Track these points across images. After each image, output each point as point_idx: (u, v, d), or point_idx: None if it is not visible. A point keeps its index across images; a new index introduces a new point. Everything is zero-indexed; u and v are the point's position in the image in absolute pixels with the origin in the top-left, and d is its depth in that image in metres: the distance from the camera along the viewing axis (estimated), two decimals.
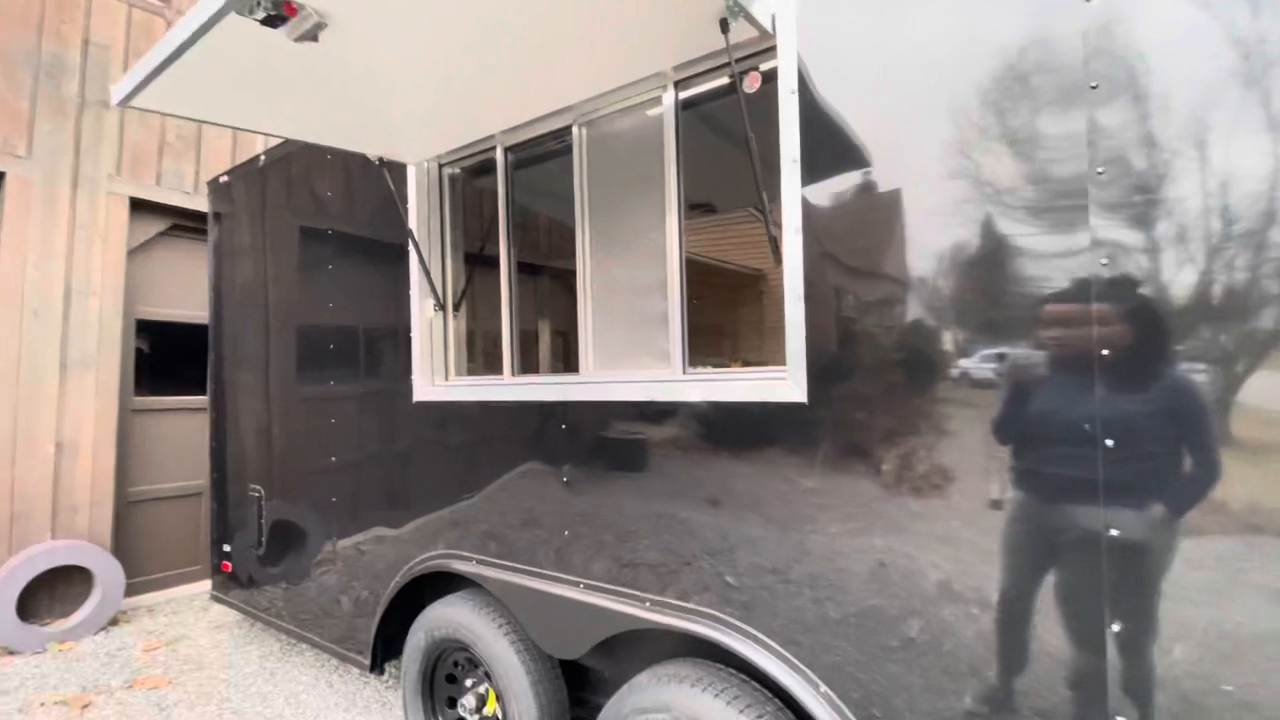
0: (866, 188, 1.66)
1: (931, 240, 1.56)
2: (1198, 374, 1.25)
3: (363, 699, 3.34)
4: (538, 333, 4.44)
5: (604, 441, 2.20)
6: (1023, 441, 1.42)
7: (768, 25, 1.77)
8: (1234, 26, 1.22)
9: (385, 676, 3.51)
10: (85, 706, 3.30)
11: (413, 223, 2.81)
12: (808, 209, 1.73)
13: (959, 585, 1.49)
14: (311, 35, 1.59)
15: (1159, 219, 1.28)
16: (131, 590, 4.60)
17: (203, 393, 4.34)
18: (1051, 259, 1.39)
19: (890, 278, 1.62)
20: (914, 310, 1.59)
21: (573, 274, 2.47)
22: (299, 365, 3.49)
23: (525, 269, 3.12)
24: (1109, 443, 1.31)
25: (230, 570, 3.96)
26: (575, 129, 2.42)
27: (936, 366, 1.55)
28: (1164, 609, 1.26)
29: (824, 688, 1.67)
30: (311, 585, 3.35)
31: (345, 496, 3.17)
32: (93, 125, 4.53)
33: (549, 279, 4.32)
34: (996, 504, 1.45)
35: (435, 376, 2.84)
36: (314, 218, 3.41)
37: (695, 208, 4.50)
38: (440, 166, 2.89)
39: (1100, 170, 1.33)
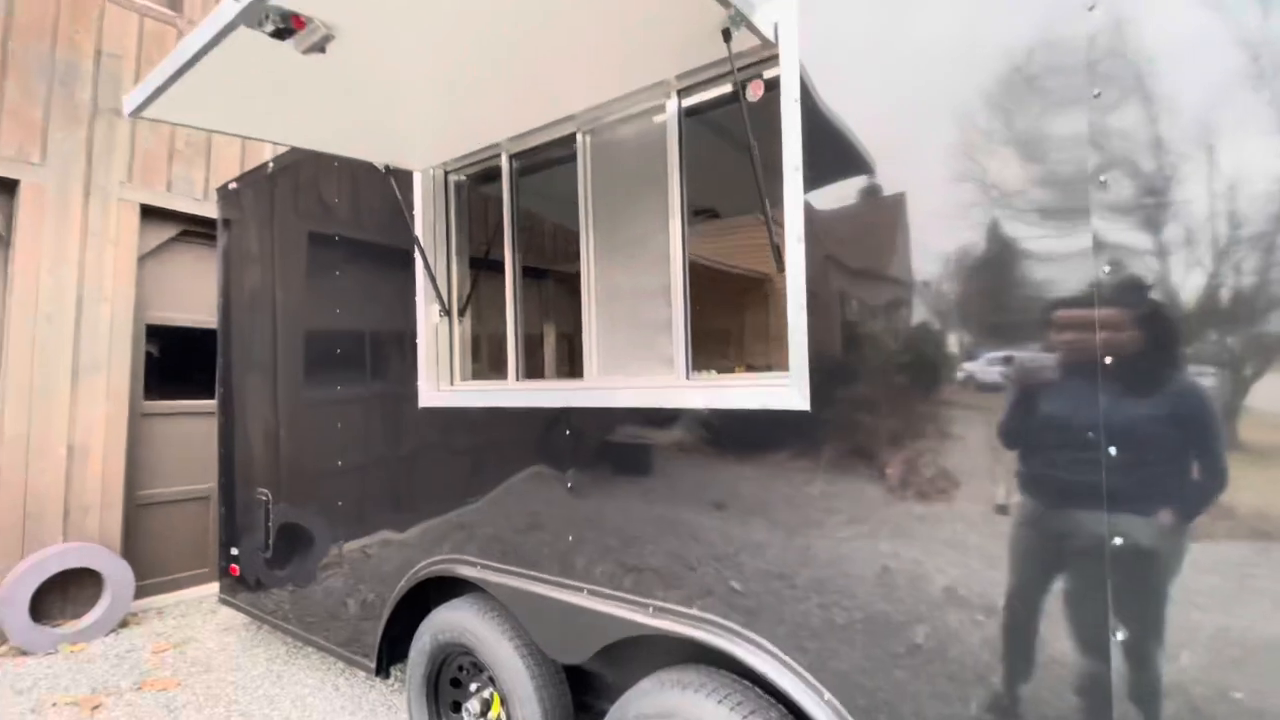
0: (868, 195, 1.67)
1: (933, 249, 1.56)
2: (1200, 380, 1.24)
3: (368, 702, 3.36)
4: (542, 336, 4.46)
5: (608, 447, 2.21)
6: (1025, 450, 1.42)
7: (770, 34, 1.78)
8: (1238, 32, 1.22)
9: (391, 680, 3.52)
10: (95, 708, 3.33)
11: (419, 229, 2.83)
12: (810, 217, 1.74)
13: (964, 591, 1.49)
14: (319, 47, 1.61)
15: (1161, 226, 1.28)
16: (141, 592, 4.64)
17: (211, 397, 4.38)
18: (1053, 266, 1.39)
19: (892, 286, 1.63)
20: (915, 319, 1.59)
21: (577, 277, 2.49)
22: (306, 370, 3.52)
23: (530, 273, 3.14)
24: (1112, 450, 1.30)
25: (238, 573, 3.99)
26: (579, 136, 2.44)
27: (937, 375, 1.55)
28: (1169, 617, 1.25)
29: (828, 695, 1.67)
30: (318, 589, 3.37)
31: (351, 500, 3.20)
32: (105, 133, 4.60)
33: (554, 283, 4.34)
34: (1001, 509, 1.45)
35: (441, 382, 2.86)
36: (321, 224, 3.44)
37: (699, 213, 4.52)
38: (446, 174, 2.92)
39: (1103, 178, 1.33)
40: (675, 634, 1.95)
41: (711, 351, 6.05)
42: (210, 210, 4.79)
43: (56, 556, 4.19)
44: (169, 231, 4.97)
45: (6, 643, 4.05)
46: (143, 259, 4.81)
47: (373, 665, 2.99)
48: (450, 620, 2.62)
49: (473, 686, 2.63)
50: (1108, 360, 1.31)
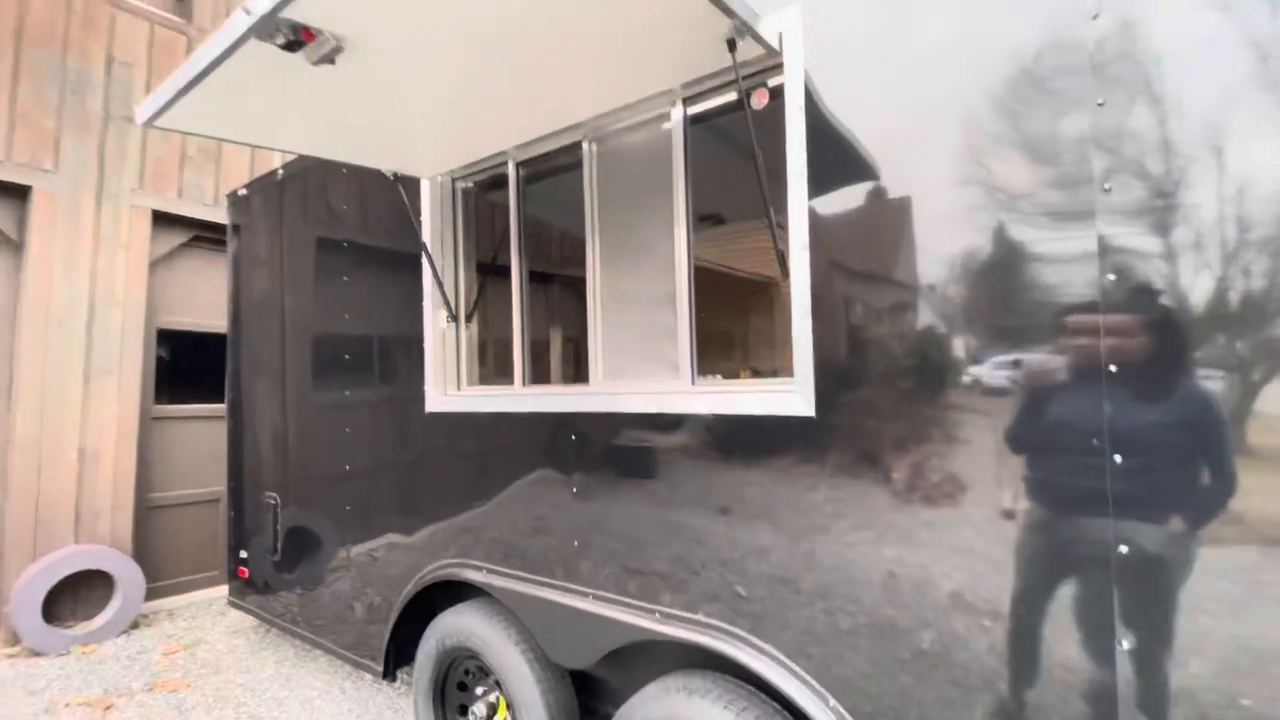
0: (871, 203, 1.68)
1: (937, 255, 1.57)
2: (1206, 386, 1.25)
3: (375, 706, 3.38)
4: (548, 340, 4.48)
5: (613, 452, 2.22)
6: (1030, 456, 1.43)
7: (774, 43, 1.79)
8: (1243, 37, 1.23)
9: (397, 683, 3.54)
10: (107, 708, 3.36)
11: (426, 236, 2.86)
12: (814, 224, 1.75)
13: (970, 597, 1.49)
14: (329, 58, 1.63)
15: (1165, 234, 1.28)
16: (151, 594, 4.68)
17: (221, 401, 4.42)
18: (1058, 274, 1.40)
19: (896, 293, 1.63)
20: (921, 326, 1.60)
21: (583, 281, 2.50)
22: (315, 374, 3.55)
23: (536, 278, 3.17)
24: (1117, 458, 1.31)
25: (247, 576, 4.02)
26: (585, 144, 2.45)
27: (942, 381, 1.55)
28: (1176, 624, 1.25)
29: (833, 701, 1.67)
30: (326, 592, 3.39)
31: (359, 504, 3.22)
32: (116, 140, 4.65)
33: (559, 287, 4.35)
34: (1007, 515, 1.45)
35: (448, 387, 2.88)
36: (330, 230, 3.47)
37: (704, 220, 4.53)
38: (453, 181, 2.94)
39: (1107, 185, 1.33)
40: (680, 639, 1.96)
41: (717, 355, 6.05)
42: (220, 216, 4.83)
43: (68, 559, 4.23)
44: (180, 237, 5.02)
45: (19, 643, 4.10)
46: (154, 264, 4.87)
47: (380, 669, 3.01)
48: (457, 625, 2.64)
49: (479, 690, 2.64)
50: (1112, 367, 1.31)
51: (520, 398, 2.59)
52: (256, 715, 3.30)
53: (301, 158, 3.56)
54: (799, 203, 1.77)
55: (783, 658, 1.77)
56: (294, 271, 3.75)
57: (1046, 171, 1.41)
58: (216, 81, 1.77)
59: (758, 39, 1.75)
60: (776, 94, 1.93)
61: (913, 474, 1.58)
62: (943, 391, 1.55)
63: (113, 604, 4.37)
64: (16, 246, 4.32)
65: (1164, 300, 1.28)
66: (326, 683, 3.65)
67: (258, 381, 4.00)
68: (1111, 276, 1.32)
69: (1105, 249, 1.33)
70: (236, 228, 4.25)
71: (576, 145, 2.48)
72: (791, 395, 1.78)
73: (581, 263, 2.50)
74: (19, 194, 4.29)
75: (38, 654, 4.04)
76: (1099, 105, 1.35)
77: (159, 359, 4.98)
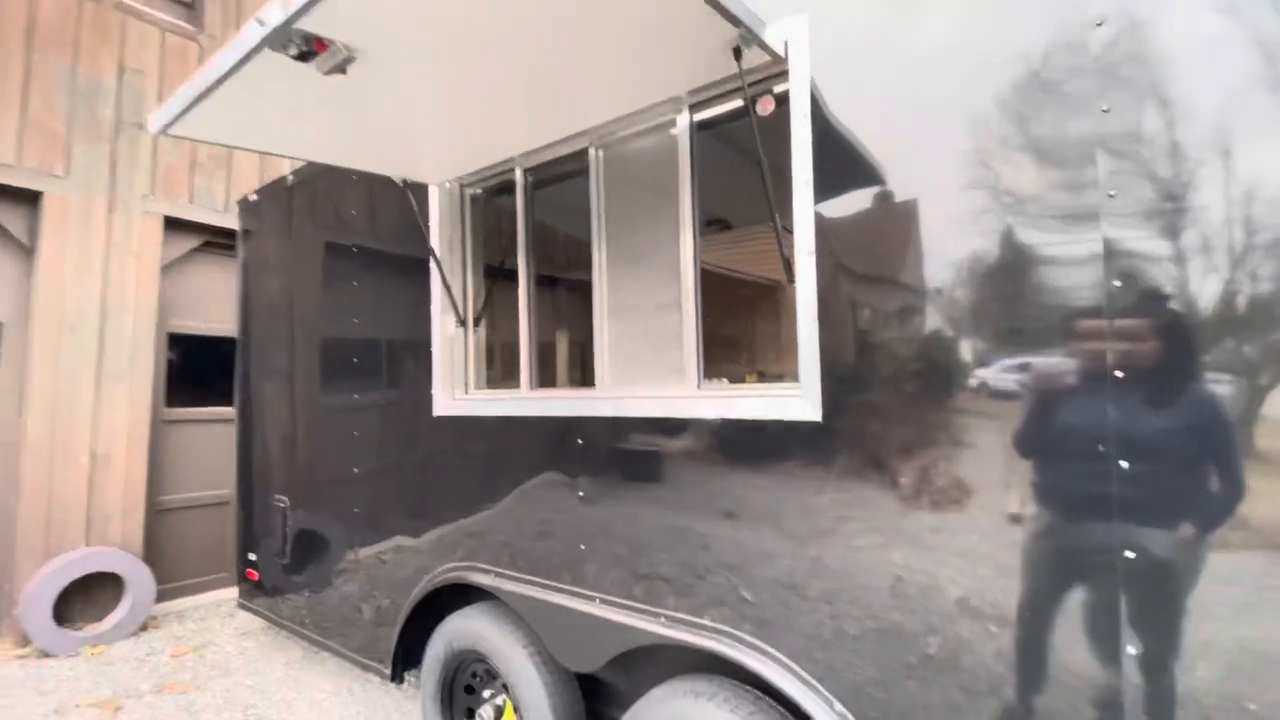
0: (876, 209, 1.69)
1: (942, 261, 1.58)
2: (1212, 392, 1.25)
3: (383, 708, 3.39)
4: (555, 343, 4.49)
5: (619, 456, 2.23)
6: (1036, 462, 1.43)
7: (780, 51, 1.80)
8: (1247, 43, 1.23)
9: (405, 686, 3.56)
10: (117, 710, 3.39)
11: (434, 241, 2.88)
12: (820, 230, 1.76)
13: (977, 602, 1.49)
14: (340, 68, 1.66)
15: (1170, 240, 1.29)
16: (161, 596, 4.72)
17: (231, 404, 4.46)
18: (1063, 278, 1.40)
19: (901, 298, 1.64)
20: (926, 331, 1.61)
21: (589, 286, 2.52)
22: (323, 378, 3.58)
23: (543, 282, 3.18)
24: (1123, 464, 1.31)
25: (256, 578, 4.05)
26: (592, 151, 2.47)
27: (948, 386, 1.56)
28: (1181, 629, 1.26)
29: (839, 705, 1.68)
30: (334, 594, 3.41)
31: (367, 507, 3.24)
32: (128, 146, 4.70)
33: (566, 291, 4.37)
34: (1014, 520, 1.46)
35: (455, 390, 2.90)
36: (339, 235, 3.50)
37: (710, 224, 4.54)
38: (461, 187, 2.97)
39: (1112, 191, 1.34)
40: (687, 643, 1.97)
41: (723, 359, 6.06)
42: (231, 221, 4.88)
43: (79, 561, 4.27)
44: (190, 242, 5.07)
45: (30, 645, 4.13)
46: (165, 269, 4.92)
47: (388, 671, 3.03)
48: (464, 628, 2.65)
49: (486, 693, 2.66)
50: (1118, 373, 1.32)
51: (527, 401, 2.60)
52: (265, 717, 3.32)
53: (311, 164, 3.59)
54: (804, 208, 1.78)
55: (788, 662, 1.77)
56: (303, 276, 3.78)
57: (1051, 177, 1.42)
58: (229, 91, 1.80)
59: (764, 47, 1.77)
60: (782, 100, 1.94)
61: (919, 478, 1.59)
62: (948, 396, 1.56)
63: (123, 606, 4.41)
64: (28, 252, 4.37)
65: (1170, 305, 1.28)
66: (335, 685, 3.67)
67: (267, 385, 4.03)
68: (1117, 282, 1.33)
69: (1110, 254, 1.34)
70: (246, 233, 4.29)
71: (583, 152, 2.50)
72: (798, 400, 1.79)
73: (588, 267, 2.52)
74: (30, 199, 4.34)
75: (48, 655, 4.08)
76: (1104, 111, 1.35)
77: (169, 363, 5.03)
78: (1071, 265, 1.39)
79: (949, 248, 1.57)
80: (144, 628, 4.52)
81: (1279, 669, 1.18)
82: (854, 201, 1.72)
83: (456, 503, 2.78)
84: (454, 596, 2.84)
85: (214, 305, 5.20)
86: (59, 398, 4.34)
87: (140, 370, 4.70)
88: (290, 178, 3.84)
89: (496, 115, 2.21)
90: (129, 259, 4.66)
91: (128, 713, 3.37)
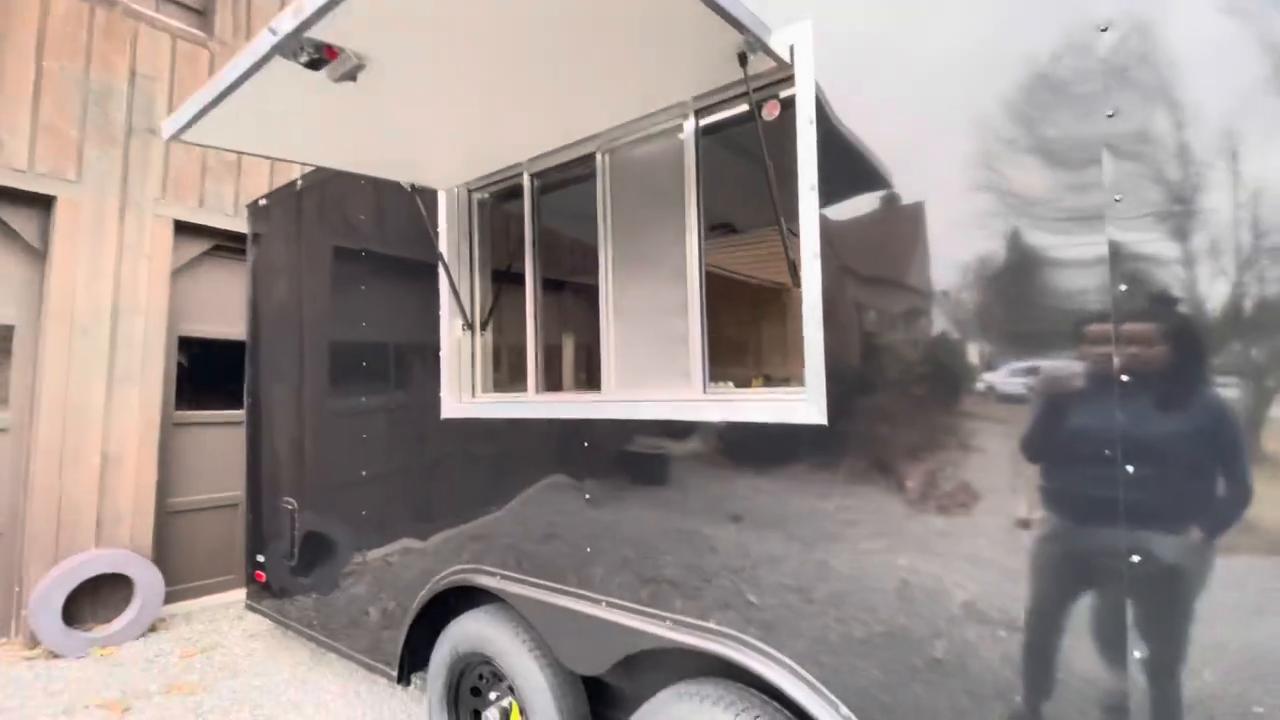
0: (881, 213, 1.69)
1: (947, 265, 1.58)
2: (1218, 396, 1.25)
3: (389, 710, 3.41)
4: (561, 347, 4.51)
5: (625, 459, 2.24)
6: (1043, 466, 1.43)
7: (785, 56, 1.82)
8: (1252, 47, 1.24)
9: (411, 688, 3.57)
10: (125, 710, 3.42)
11: (443, 246, 2.90)
12: (825, 233, 1.77)
13: (984, 606, 1.49)
14: (351, 75, 1.68)
15: (1176, 244, 1.29)
16: (170, 598, 4.76)
17: (240, 407, 4.49)
18: (1069, 283, 1.40)
19: (906, 302, 1.65)
20: (932, 335, 1.61)
21: (596, 290, 2.53)
22: (332, 381, 3.61)
23: (550, 286, 3.20)
24: (1130, 468, 1.31)
25: (264, 580, 4.07)
26: (599, 156, 2.49)
27: (953, 390, 1.56)
28: (1188, 634, 1.25)
29: (845, 709, 1.68)
30: (341, 596, 3.43)
31: (374, 510, 3.26)
32: (140, 151, 4.75)
33: (572, 295, 4.39)
34: (1021, 524, 1.46)
35: (462, 394, 2.92)
36: (348, 239, 3.53)
37: (716, 228, 4.55)
38: (469, 192, 2.99)
39: (1118, 196, 1.34)
40: (692, 647, 1.97)
41: (729, 362, 6.06)
42: (241, 225, 4.93)
43: (89, 562, 4.31)
44: (201, 246, 5.12)
45: (39, 646, 4.17)
46: (176, 273, 4.96)
47: (394, 673, 3.04)
48: (470, 630, 2.66)
49: (492, 695, 2.66)
50: (1125, 377, 1.32)
51: (533, 405, 2.62)
52: (272, 718, 3.34)
53: (320, 169, 3.62)
54: (810, 212, 1.79)
55: (795, 665, 1.78)
56: (312, 280, 3.81)
57: (1056, 180, 1.42)
58: (239, 97, 1.83)
59: (769, 53, 1.78)
60: (788, 105, 1.95)
61: (925, 482, 1.59)
62: (953, 400, 1.56)
63: (132, 607, 4.44)
64: (40, 255, 4.42)
65: (1176, 309, 1.29)
66: (342, 686, 3.68)
67: (276, 388, 4.06)
68: (1123, 286, 1.33)
69: (1116, 257, 1.34)
70: (256, 237, 4.32)
71: (590, 157, 2.52)
72: (803, 403, 1.79)
73: (594, 271, 2.53)
74: (43, 203, 4.39)
75: (57, 656, 4.11)
76: (1109, 116, 1.36)
77: (180, 365, 5.07)
78: (1077, 269, 1.39)
79: (954, 251, 1.57)
80: (153, 629, 4.55)
81: None
82: (859, 205, 1.73)
83: (463, 505, 2.79)
84: (460, 599, 2.85)
85: (224, 308, 5.24)
86: (70, 399, 4.38)
87: (151, 373, 4.74)
88: (299, 182, 3.88)
89: (504, 121, 2.23)
90: (140, 262, 4.71)
91: (136, 713, 3.40)
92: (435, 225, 2.93)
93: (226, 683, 3.75)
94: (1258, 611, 1.20)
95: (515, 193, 2.84)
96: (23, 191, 4.26)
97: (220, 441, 5.19)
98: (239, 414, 4.60)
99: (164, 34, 4.92)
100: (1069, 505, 1.40)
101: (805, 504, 1.78)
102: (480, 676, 2.74)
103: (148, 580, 4.50)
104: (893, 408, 1.65)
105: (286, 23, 1.48)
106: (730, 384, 2.53)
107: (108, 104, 4.61)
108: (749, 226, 4.68)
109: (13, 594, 4.28)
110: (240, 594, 4.68)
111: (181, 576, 4.96)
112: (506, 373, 3.11)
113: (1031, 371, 1.46)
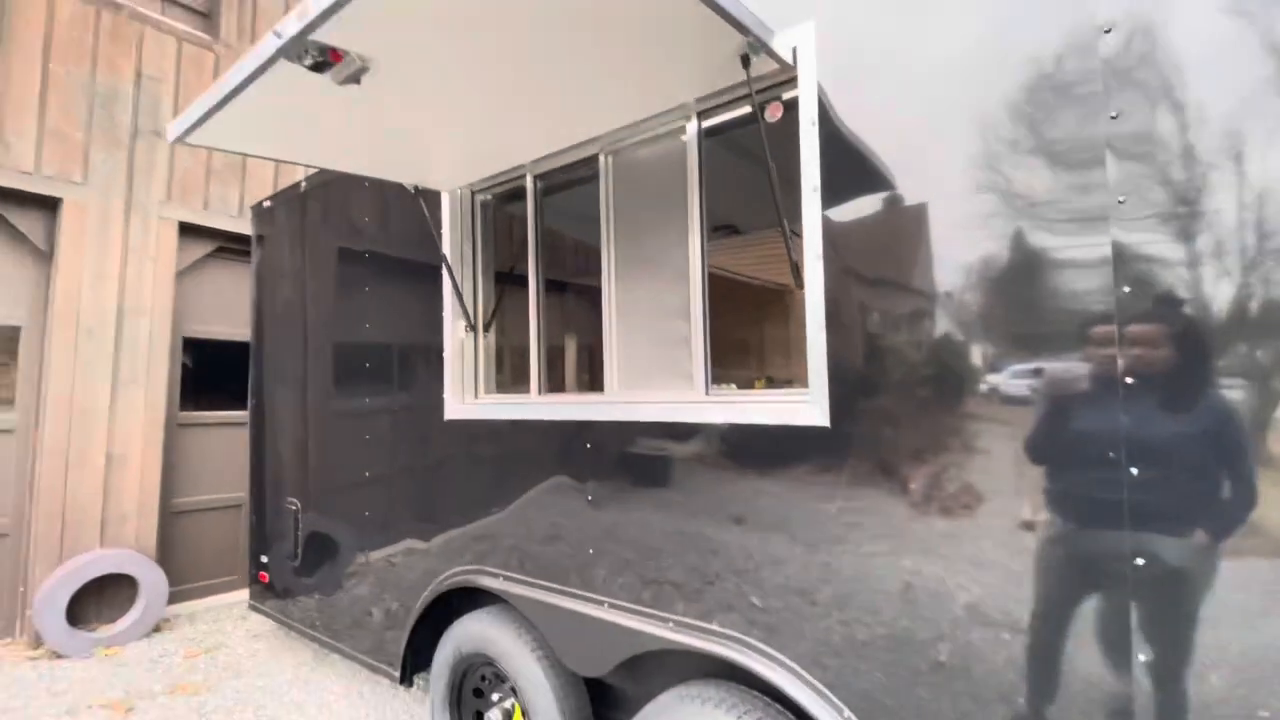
0: (884, 214, 1.69)
1: (951, 266, 1.58)
2: (1222, 399, 1.25)
3: (392, 710, 3.41)
4: (564, 348, 4.51)
5: (628, 460, 2.24)
6: (1047, 468, 1.43)
7: (788, 58, 1.82)
8: (1256, 49, 1.23)
9: (414, 688, 3.57)
10: (129, 711, 3.42)
11: (446, 247, 2.91)
12: (828, 235, 1.77)
13: (988, 608, 1.49)
14: (355, 78, 1.68)
15: (1180, 246, 1.28)
16: (174, 598, 4.77)
17: (244, 408, 4.50)
18: (1073, 284, 1.40)
19: (910, 304, 1.64)
20: (935, 337, 1.61)
21: (599, 291, 2.54)
22: (335, 382, 3.61)
23: (553, 287, 3.21)
24: (1134, 470, 1.31)
25: (268, 581, 4.08)
26: (602, 158, 2.49)
27: (957, 392, 1.56)
28: (1192, 637, 1.25)
29: (848, 712, 1.67)
30: (344, 597, 3.44)
31: (378, 511, 3.26)
32: (145, 153, 4.77)
33: (575, 296, 4.39)
34: (1025, 526, 1.45)
35: (465, 395, 2.92)
36: (351, 241, 3.54)
37: (719, 230, 4.55)
38: (473, 194, 3.00)
39: (1121, 198, 1.34)
40: (695, 649, 1.97)
41: (732, 364, 6.06)
42: (245, 227, 4.94)
43: (93, 562, 4.32)
44: (205, 248, 5.14)
45: (43, 646, 4.18)
46: (180, 274, 4.98)
47: (397, 674, 3.04)
48: (473, 631, 2.66)
49: (495, 696, 2.66)
50: (1129, 379, 1.32)
51: (536, 406, 2.62)
52: (275, 718, 3.35)
53: (323, 170, 3.64)
54: (813, 213, 1.79)
55: (797, 668, 1.77)
56: (316, 281, 3.82)
57: (1059, 183, 1.42)
58: (244, 100, 1.83)
59: (772, 55, 1.78)
60: (790, 106, 1.96)
61: (928, 484, 1.59)
62: (957, 402, 1.56)
63: (136, 607, 4.45)
64: (46, 257, 4.44)
65: (1180, 311, 1.28)
66: (344, 687, 3.69)
67: (280, 389, 4.08)
68: (1127, 287, 1.33)
69: (1120, 259, 1.34)
70: (260, 238, 4.34)
71: (593, 158, 2.52)
72: (806, 405, 1.79)
73: (597, 272, 2.54)
74: (49, 205, 4.41)
75: (61, 656, 4.12)
76: (1113, 117, 1.36)
77: (184, 366, 5.09)
78: (1081, 270, 1.39)
79: (957, 253, 1.57)
80: (157, 629, 4.56)
81: None
82: (862, 206, 1.73)
83: (466, 506, 2.80)
84: (463, 600, 2.85)
85: (228, 310, 5.26)
86: (75, 400, 4.40)
87: (156, 374, 4.76)
88: (303, 184, 3.89)
89: (507, 123, 2.24)
90: (145, 264, 4.73)
91: (140, 714, 3.41)
92: (438, 227, 2.94)
93: (230, 683, 3.76)
94: (1263, 614, 1.20)
95: (518, 194, 2.85)
96: (29, 194, 4.29)
97: (224, 442, 5.20)
98: (243, 415, 4.62)
99: (169, 37, 4.95)
100: (1073, 507, 1.39)
101: (808, 506, 1.78)
102: (483, 677, 2.74)
103: (152, 581, 4.51)
104: (896, 410, 1.65)
105: (291, 26, 1.49)
106: (733, 386, 2.52)
107: (113, 106, 4.64)
108: (751, 228, 4.68)
109: (18, 594, 4.29)
110: (244, 594, 4.69)
111: (185, 577, 4.98)
112: (509, 374, 3.12)
113: (1035, 373, 1.45)
